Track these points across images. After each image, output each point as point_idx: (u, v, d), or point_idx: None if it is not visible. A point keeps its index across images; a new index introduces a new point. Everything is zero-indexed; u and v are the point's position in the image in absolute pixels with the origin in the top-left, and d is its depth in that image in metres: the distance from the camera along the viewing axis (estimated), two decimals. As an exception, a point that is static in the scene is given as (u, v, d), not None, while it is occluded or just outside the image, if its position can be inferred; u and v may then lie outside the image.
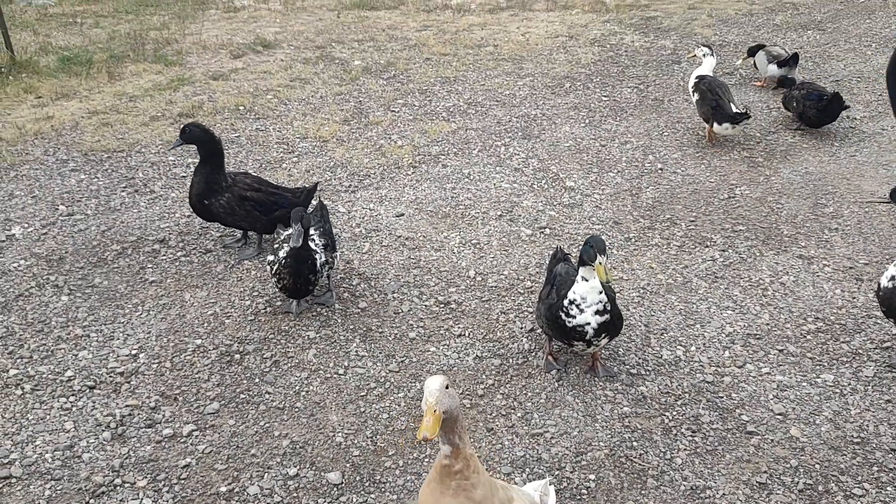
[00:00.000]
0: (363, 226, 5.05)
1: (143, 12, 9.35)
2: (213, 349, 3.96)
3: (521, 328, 4.11)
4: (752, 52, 7.45)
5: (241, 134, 6.25)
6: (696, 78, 6.27)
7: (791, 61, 7.15)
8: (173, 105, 6.72)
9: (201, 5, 9.71)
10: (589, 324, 3.51)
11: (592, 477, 3.19)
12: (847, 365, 3.86)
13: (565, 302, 3.54)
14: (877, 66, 7.84)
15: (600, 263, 3.37)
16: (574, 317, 3.52)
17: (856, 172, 5.78)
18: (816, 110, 6.24)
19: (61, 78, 7.19)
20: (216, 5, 9.72)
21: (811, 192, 5.52)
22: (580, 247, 3.51)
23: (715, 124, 6.08)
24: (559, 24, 9.11)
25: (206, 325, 4.13)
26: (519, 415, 3.54)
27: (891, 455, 3.30)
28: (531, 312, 4.24)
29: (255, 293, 4.38)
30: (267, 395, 3.66)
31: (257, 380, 3.76)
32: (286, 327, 4.11)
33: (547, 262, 4.40)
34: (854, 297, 4.36)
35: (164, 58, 7.78)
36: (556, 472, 3.21)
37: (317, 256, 4.09)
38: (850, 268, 4.64)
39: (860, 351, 3.94)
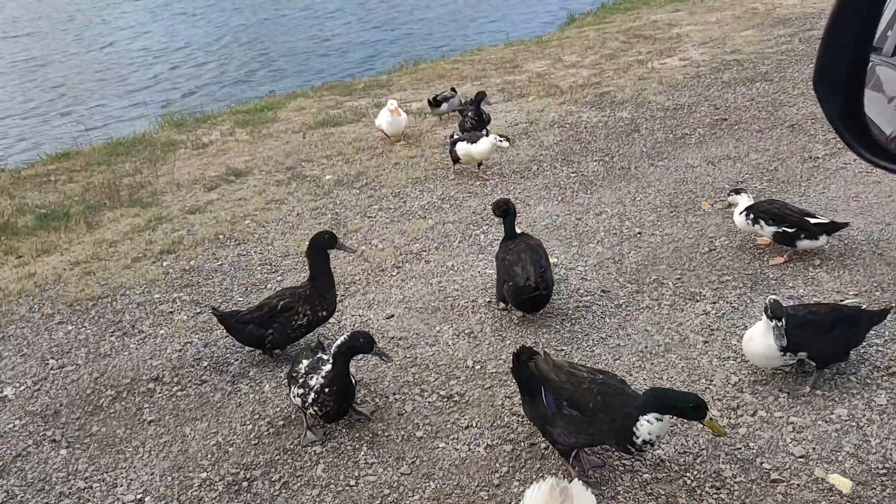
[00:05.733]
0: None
1: (114, 161, 9.55)
2: (220, 480, 3.86)
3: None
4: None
5: (224, 262, 6.30)
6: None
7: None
8: (153, 244, 6.78)
9: (170, 147, 9.94)
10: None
11: (624, 551, 3.09)
12: (858, 396, 3.83)
13: (637, 441, 3.22)
14: (827, 106, 8.10)
15: (711, 419, 3.18)
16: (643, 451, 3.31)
17: (828, 208, 5.88)
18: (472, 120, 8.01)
19: (40, 235, 7.26)
20: (185, 145, 9.94)
21: (789, 233, 5.59)
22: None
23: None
24: (517, 112, 9.39)
25: (209, 456, 4.05)
26: (539, 498, 3.45)
27: (920, 480, 3.23)
28: (535, 393, 4.19)
29: (256, 416, 4.31)
30: (280, 519, 3.56)
31: (268, 505, 3.66)
32: (291, 446, 4.03)
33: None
34: (851, 328, 4.36)
35: (139, 201, 7.91)
36: (587, 552, 3.10)
37: (354, 379, 4.06)
38: (842, 300, 4.65)
39: (868, 380, 3.91)
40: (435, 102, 9.28)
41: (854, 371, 4.01)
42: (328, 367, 3.94)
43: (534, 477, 3.58)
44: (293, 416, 4.26)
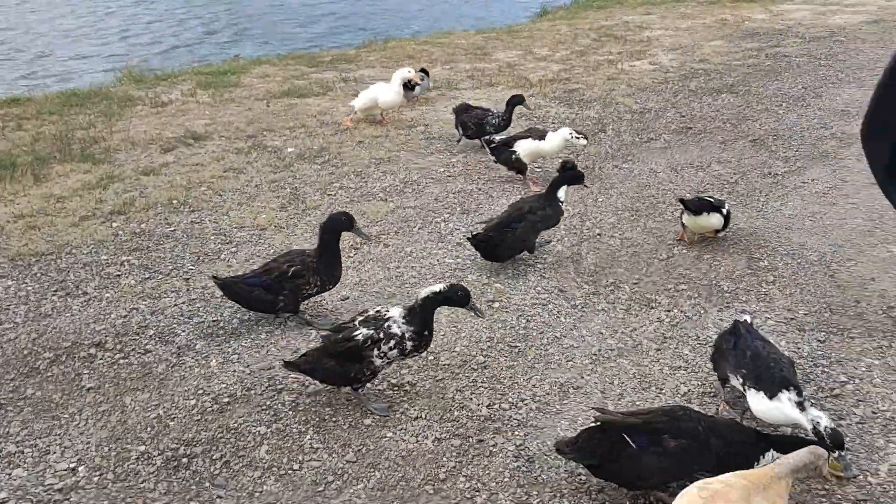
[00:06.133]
0: (308, 312, 4.94)
1: (67, 112, 9.19)
2: (159, 455, 3.76)
3: (478, 404, 4.04)
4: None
5: (176, 228, 6.13)
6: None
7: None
8: (103, 203, 6.56)
9: (127, 102, 9.62)
10: None
11: (566, 555, 3.10)
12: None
13: None
14: (790, 124, 8.24)
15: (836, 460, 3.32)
16: None
17: (784, 225, 5.98)
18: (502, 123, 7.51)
19: (-17, 183, 6.97)
20: (143, 102, 9.63)
21: (745, 248, 5.67)
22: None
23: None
24: (486, 101, 9.32)
25: (149, 429, 3.93)
26: (484, 496, 3.44)
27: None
28: (487, 388, 4.18)
29: (200, 391, 4.20)
30: (219, 500, 3.48)
31: (207, 484, 3.58)
32: (235, 424, 3.94)
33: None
34: (799, 348, 4.44)
35: (91, 156, 7.64)
36: (529, 554, 3.10)
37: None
38: (792, 319, 4.74)
39: (812, 401, 3.98)
40: (410, 86, 9.13)
41: (799, 390, 4.08)
42: (397, 313, 3.90)
43: (480, 474, 3.57)
44: (239, 395, 4.16)
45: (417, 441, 3.80)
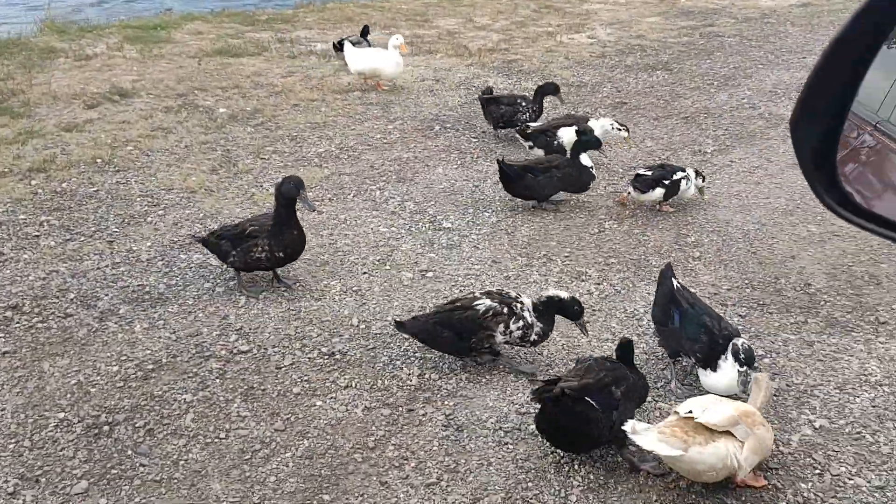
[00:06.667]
0: (238, 278, 4.85)
1: (-17, 62, 8.74)
2: (78, 422, 3.66)
3: (409, 374, 4.05)
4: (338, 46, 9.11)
5: (100, 188, 5.91)
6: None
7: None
8: (21, 160, 6.28)
9: (49, 54, 9.18)
10: None
11: (491, 522, 3.15)
12: (721, 387, 4.03)
13: None
14: (720, 103, 8.41)
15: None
16: None
17: (711, 202, 6.13)
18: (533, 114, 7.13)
19: None
20: (65, 54, 9.21)
21: (673, 224, 5.80)
22: None
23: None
24: (424, 69, 9.25)
25: (69, 395, 3.82)
26: (413, 465, 3.47)
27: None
28: (418, 358, 4.19)
29: (124, 357, 4.09)
30: (142, 468, 3.41)
31: (130, 452, 3.50)
32: (159, 392, 3.86)
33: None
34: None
35: (9, 109, 7.28)
36: (455, 522, 3.14)
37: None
38: (716, 294, 4.88)
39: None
40: (339, 46, 8.97)
41: (719, 363, 4.21)
42: (528, 302, 4.03)
43: (409, 443, 3.59)
44: (164, 362, 4.07)
45: (347, 410, 3.79)
